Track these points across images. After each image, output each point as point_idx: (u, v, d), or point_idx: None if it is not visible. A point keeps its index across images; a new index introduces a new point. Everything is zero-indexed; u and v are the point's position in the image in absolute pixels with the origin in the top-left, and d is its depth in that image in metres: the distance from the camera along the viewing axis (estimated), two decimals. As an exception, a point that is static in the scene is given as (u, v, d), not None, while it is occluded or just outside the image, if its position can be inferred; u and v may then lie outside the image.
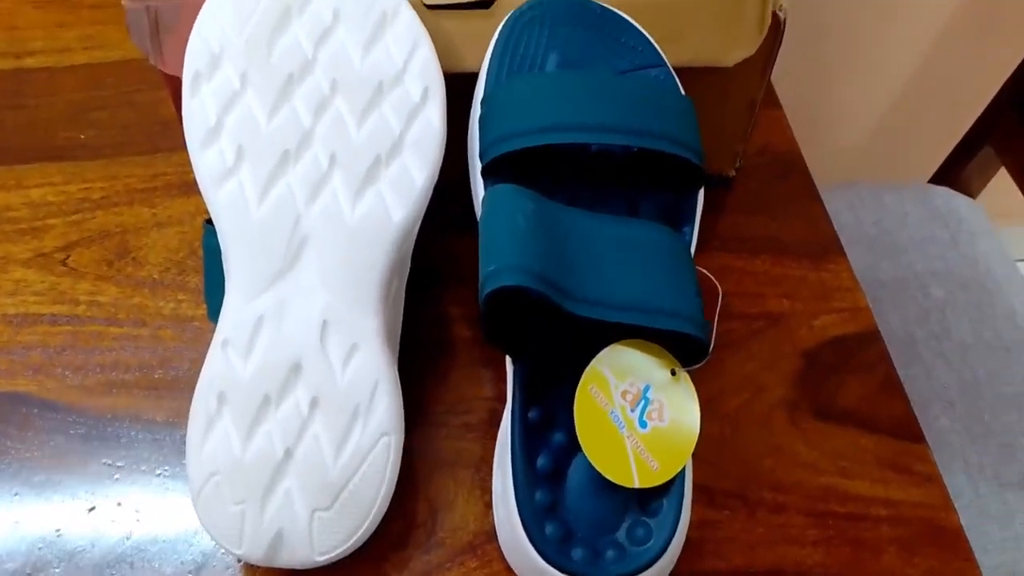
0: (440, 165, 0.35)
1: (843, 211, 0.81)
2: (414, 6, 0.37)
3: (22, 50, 0.51)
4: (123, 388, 0.39)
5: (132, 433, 0.38)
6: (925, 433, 0.41)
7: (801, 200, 0.47)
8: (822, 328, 0.42)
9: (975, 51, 0.97)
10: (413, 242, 0.35)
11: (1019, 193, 0.81)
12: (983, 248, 0.80)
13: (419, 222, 0.35)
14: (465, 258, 0.36)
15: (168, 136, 0.47)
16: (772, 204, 0.47)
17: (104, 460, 0.37)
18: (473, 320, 0.42)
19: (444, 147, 0.35)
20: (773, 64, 0.42)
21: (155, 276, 0.43)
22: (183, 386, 0.39)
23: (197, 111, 0.34)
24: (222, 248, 0.33)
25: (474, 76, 0.38)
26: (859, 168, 1.09)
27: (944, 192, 0.84)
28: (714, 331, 0.33)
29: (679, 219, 0.36)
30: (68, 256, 0.43)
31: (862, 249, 0.78)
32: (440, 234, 0.40)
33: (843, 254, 0.45)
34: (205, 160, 0.33)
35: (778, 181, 0.48)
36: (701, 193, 0.37)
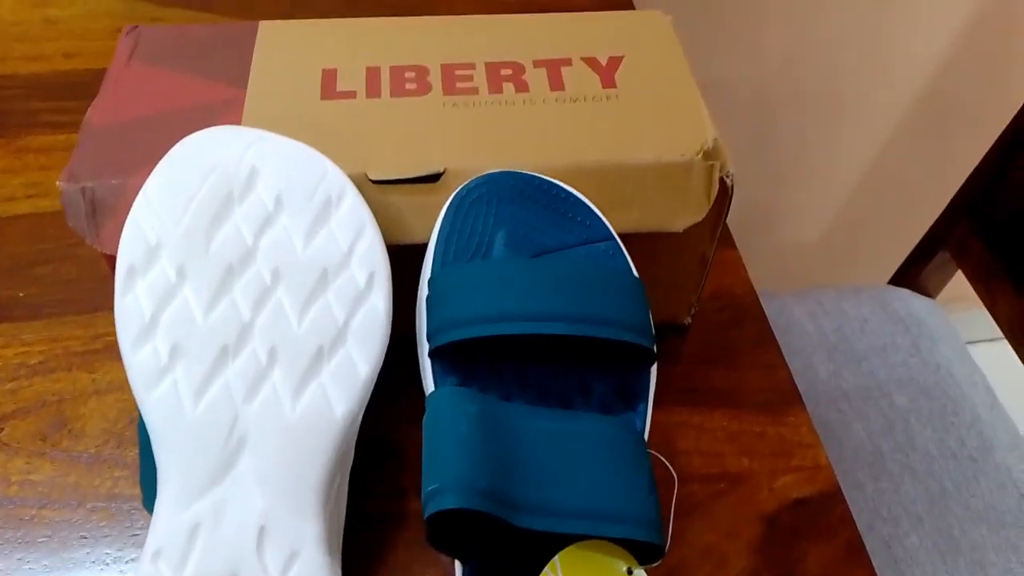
0: (384, 353, 0.34)
1: (804, 320, 0.81)
2: (359, 182, 0.37)
3: (-37, 200, 0.50)
4: (53, 581, 0.37)
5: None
6: (896, 552, 0.39)
7: (758, 347, 0.47)
8: (783, 489, 0.42)
9: (929, 151, 1.00)
10: (356, 432, 0.34)
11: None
12: (944, 352, 0.80)
13: (362, 412, 0.34)
14: (415, 425, 0.35)
15: (109, 294, 0.46)
16: (728, 353, 0.47)
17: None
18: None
19: (389, 335, 0.34)
20: (723, 223, 0.42)
21: (92, 450, 0.41)
22: (117, 579, 0.37)
23: (130, 308, 0.33)
24: (154, 452, 0.32)
25: (422, 247, 0.37)
26: (814, 269, 1.10)
27: (903, 294, 0.85)
28: (671, 522, 0.32)
29: (632, 397, 0.35)
30: (2, 430, 0.41)
31: (824, 358, 0.78)
32: (390, 398, 0.38)
33: (802, 404, 0.45)
34: (137, 360, 0.32)
35: (734, 328, 0.48)
36: (654, 370, 0.36)
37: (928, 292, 0.88)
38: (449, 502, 0.28)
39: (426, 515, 0.28)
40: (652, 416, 0.35)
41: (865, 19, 0.88)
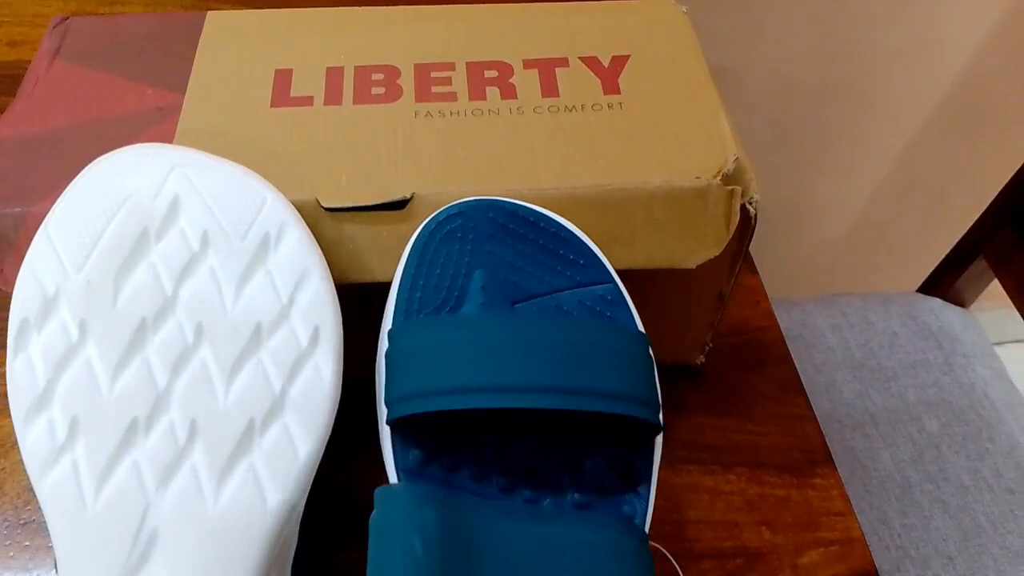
0: (331, 428, 0.28)
1: (827, 332, 0.74)
2: (310, 211, 0.31)
3: None
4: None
5: None
6: None
7: (781, 394, 0.41)
8: (809, 568, 0.36)
9: (964, 148, 0.93)
10: (298, 522, 0.28)
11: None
12: (980, 371, 0.74)
13: (304, 501, 0.28)
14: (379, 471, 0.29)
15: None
16: (747, 402, 0.40)
17: None
18: None
19: (336, 406, 0.28)
20: (743, 257, 0.36)
21: (10, 512, 0.35)
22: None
23: (22, 373, 0.27)
24: (55, 549, 0.26)
25: (385, 286, 0.31)
26: (841, 271, 1.03)
27: (935, 304, 0.78)
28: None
29: (632, 476, 0.29)
30: (-96, 489, 0.36)
31: (849, 376, 0.72)
32: (347, 439, 0.33)
33: (832, 464, 0.39)
34: (31, 436, 0.26)
35: (754, 371, 0.41)
36: (659, 443, 0.30)
37: (962, 302, 0.81)
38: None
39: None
40: (658, 477, 0.29)
41: (895, 4, 0.80)
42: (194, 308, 0.28)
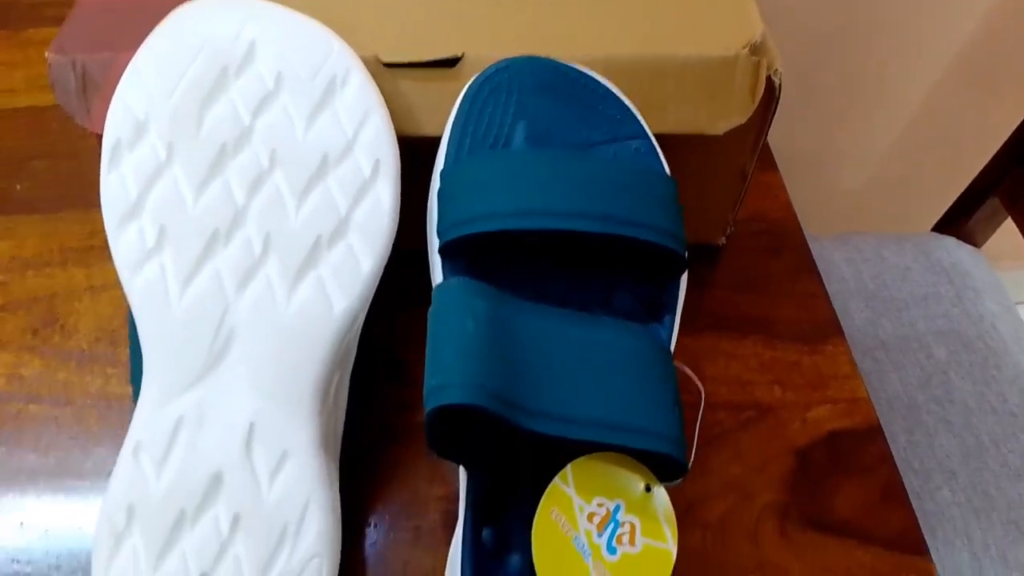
0: (390, 248, 0.31)
1: (841, 265, 0.77)
2: (369, 65, 0.34)
3: (-38, 90, 0.48)
4: (39, 479, 0.35)
5: (46, 534, 0.34)
6: (927, 506, 0.37)
7: (796, 275, 0.43)
8: (816, 422, 0.38)
9: (978, 96, 0.94)
10: (359, 332, 0.32)
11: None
12: (989, 305, 0.76)
13: (365, 312, 0.31)
14: (420, 334, 0.32)
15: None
16: (764, 279, 0.43)
17: (13, 562, 0.33)
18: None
19: (395, 229, 0.31)
20: (767, 131, 0.38)
21: (84, 348, 0.39)
22: (105, 481, 0.35)
23: (116, 186, 0.30)
24: (140, 340, 0.30)
25: (435, 141, 0.34)
26: (858, 214, 1.05)
27: (948, 242, 0.81)
28: (695, 443, 0.29)
29: (659, 309, 0.32)
30: (-10, 324, 0.39)
31: (861, 305, 0.74)
32: (393, 307, 0.36)
33: (841, 335, 0.42)
34: (123, 241, 0.30)
35: (771, 254, 0.44)
36: (684, 280, 0.33)
37: (975, 242, 0.83)
38: (452, 397, 0.25)
39: (427, 411, 0.26)
40: (677, 340, 0.32)
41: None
42: (269, 138, 0.31)
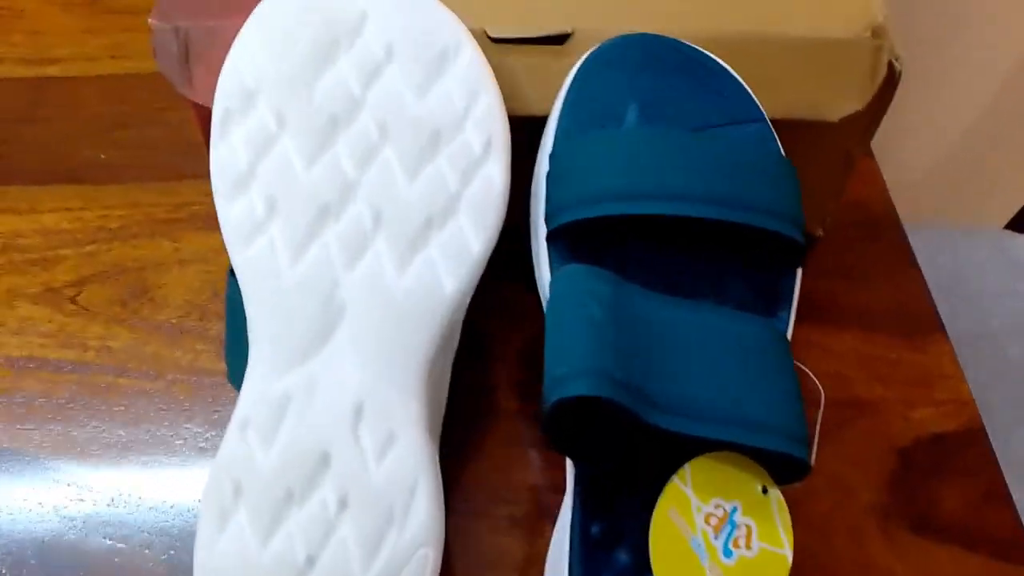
0: (500, 229, 0.30)
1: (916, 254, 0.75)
2: (476, 39, 0.33)
3: (44, 57, 0.48)
4: (130, 454, 0.35)
5: (137, 510, 0.34)
6: None
7: (895, 266, 0.42)
8: (920, 422, 0.37)
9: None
10: (464, 315, 0.31)
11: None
12: (1065, 305, 0.74)
13: (471, 293, 0.30)
14: (514, 316, 0.32)
15: (196, 161, 0.42)
16: (862, 269, 0.42)
17: (105, 538, 0.33)
18: (523, 389, 0.37)
19: (505, 210, 0.30)
20: (881, 120, 0.37)
21: (173, 321, 0.38)
22: (196, 457, 0.35)
23: (226, 155, 0.29)
24: (247, 314, 0.29)
25: (540, 121, 0.33)
26: (927, 206, 1.02)
27: (1022, 240, 0.78)
28: (815, 445, 0.28)
29: (775, 301, 0.31)
30: (79, 293, 0.39)
31: (937, 299, 0.72)
32: (485, 286, 0.35)
33: (944, 332, 0.40)
34: (233, 212, 0.29)
35: (868, 243, 0.43)
36: (800, 272, 0.32)
37: (1049, 240, 0.80)
38: (579, 388, 0.24)
39: (550, 402, 0.25)
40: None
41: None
42: (379, 110, 0.30)
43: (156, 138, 0.44)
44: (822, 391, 0.30)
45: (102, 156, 0.44)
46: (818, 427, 0.30)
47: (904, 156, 0.96)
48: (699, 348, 0.27)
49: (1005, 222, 0.84)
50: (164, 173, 0.43)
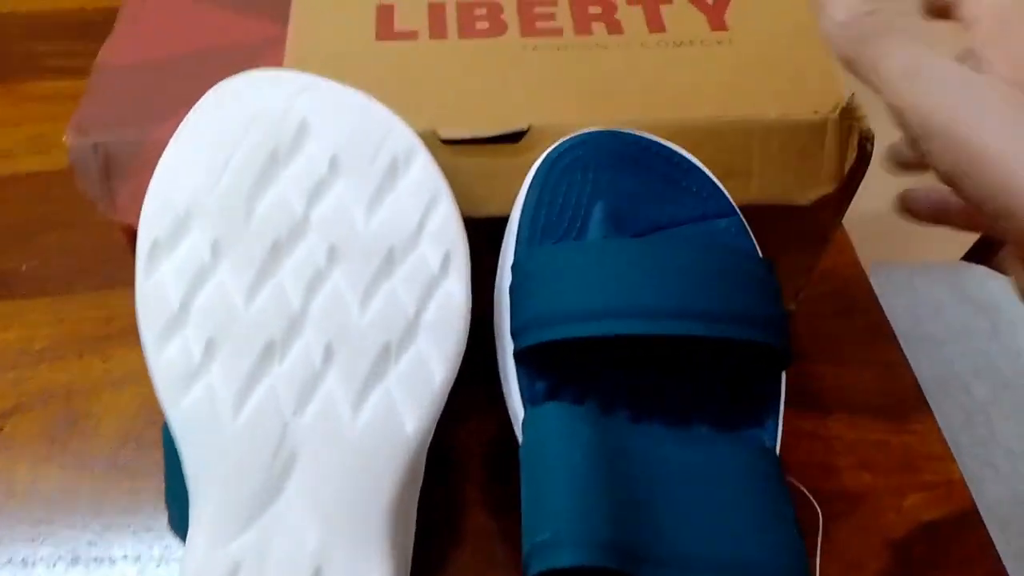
0: (463, 354, 0.28)
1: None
2: (425, 141, 0.30)
3: (-44, 155, 0.44)
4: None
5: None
6: None
7: (872, 342, 0.41)
8: (912, 511, 0.35)
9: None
10: (427, 450, 0.28)
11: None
12: (1025, 339, 0.74)
13: (434, 427, 0.28)
14: (480, 428, 0.29)
15: (125, 266, 0.40)
16: (839, 347, 0.40)
17: None
18: (492, 508, 0.34)
19: (467, 331, 0.28)
20: (852, 197, 0.35)
21: (107, 453, 0.35)
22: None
23: (154, 292, 0.26)
24: (185, 471, 0.26)
25: (499, 221, 0.31)
26: (882, 240, 1.03)
27: (978, 272, 0.78)
28: (818, 570, 0.26)
29: (759, 411, 0.29)
30: (2, 429, 0.35)
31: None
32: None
33: (928, 410, 0.39)
34: (164, 358, 0.26)
35: (842, 318, 0.41)
36: (784, 375, 0.30)
37: (1005, 270, 0.81)
38: (565, 559, 0.21)
39: (532, 572, 0.22)
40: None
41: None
42: (326, 230, 0.27)
43: (82, 242, 0.41)
44: (820, 515, 0.28)
45: (23, 267, 0.40)
46: (818, 552, 0.28)
47: (865, 203, 0.97)
48: (687, 486, 0.25)
49: (965, 251, 0.84)
50: (92, 282, 0.40)
